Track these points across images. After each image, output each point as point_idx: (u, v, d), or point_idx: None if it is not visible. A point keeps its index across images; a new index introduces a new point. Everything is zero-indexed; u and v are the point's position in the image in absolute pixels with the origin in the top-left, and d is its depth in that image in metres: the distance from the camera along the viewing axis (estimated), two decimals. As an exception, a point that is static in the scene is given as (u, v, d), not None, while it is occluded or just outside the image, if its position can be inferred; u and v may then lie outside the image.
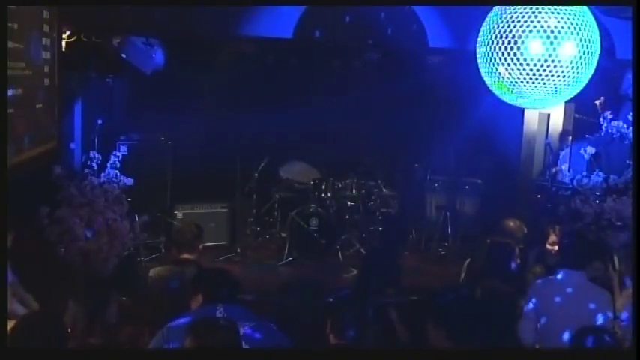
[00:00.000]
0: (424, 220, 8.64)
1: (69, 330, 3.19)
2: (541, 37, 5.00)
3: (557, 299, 4.04)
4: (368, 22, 6.82)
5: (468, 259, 5.03)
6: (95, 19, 6.15)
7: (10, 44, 4.34)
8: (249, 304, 3.63)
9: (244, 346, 3.13)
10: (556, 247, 4.96)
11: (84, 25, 6.34)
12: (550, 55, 5.02)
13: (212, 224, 7.82)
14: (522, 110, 7.45)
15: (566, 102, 6.75)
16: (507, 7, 5.17)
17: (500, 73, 5.23)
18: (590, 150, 6.65)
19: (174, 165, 7.89)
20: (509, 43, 5.08)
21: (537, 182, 7.50)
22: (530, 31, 5.01)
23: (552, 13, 5.01)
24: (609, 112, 6.70)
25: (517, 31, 5.04)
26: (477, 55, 5.50)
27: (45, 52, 5.35)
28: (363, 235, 8.18)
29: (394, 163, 8.77)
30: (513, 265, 4.60)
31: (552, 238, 5.11)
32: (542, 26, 4.99)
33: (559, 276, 4.16)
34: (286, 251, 7.69)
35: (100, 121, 6.65)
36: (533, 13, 5.02)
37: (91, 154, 6.13)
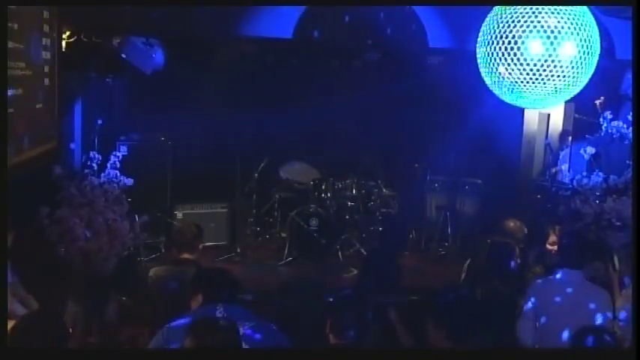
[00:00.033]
0: (424, 220, 8.65)
1: (69, 330, 3.19)
2: (541, 37, 5.00)
3: (556, 299, 4.05)
4: (368, 22, 6.82)
5: (469, 260, 5.03)
6: (95, 19, 6.15)
7: (10, 44, 4.34)
8: (249, 304, 3.63)
9: (244, 346, 3.13)
10: (556, 247, 4.97)
11: (84, 25, 6.34)
12: (550, 55, 5.02)
13: (212, 224, 7.82)
14: (522, 110, 7.45)
15: (566, 102, 6.75)
16: (507, 7, 5.17)
17: (500, 73, 5.23)
18: (590, 150, 6.65)
19: (174, 165, 7.89)
20: (509, 43, 5.08)
21: (537, 182, 7.50)
22: (531, 31, 5.01)
23: (552, 13, 5.01)
24: (609, 112, 6.70)
25: (517, 31, 5.04)
26: (477, 55, 5.50)
27: (45, 52, 5.35)
28: (363, 235, 8.18)
29: (394, 163, 8.76)
30: (513, 265, 4.60)
31: (552, 238, 5.11)
32: (542, 26, 5.00)
33: (558, 275, 4.16)
34: (286, 251, 7.69)
35: (100, 121, 6.65)
36: (533, 13, 5.02)
37: (91, 154, 6.13)
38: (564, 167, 7.10)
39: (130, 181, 6.24)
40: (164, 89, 7.91)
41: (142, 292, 4.76)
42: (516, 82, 5.17)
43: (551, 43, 4.99)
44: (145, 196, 6.98)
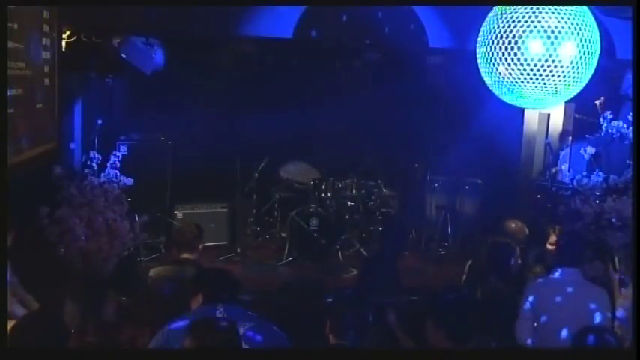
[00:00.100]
0: (424, 220, 8.64)
1: (69, 330, 3.19)
2: (541, 37, 5.00)
3: (554, 298, 4.05)
4: (368, 22, 6.82)
5: (470, 261, 5.03)
6: (95, 19, 6.15)
7: (10, 44, 4.34)
8: (249, 304, 3.62)
9: (245, 346, 3.13)
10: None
11: (84, 25, 6.34)
12: (550, 55, 5.02)
13: (212, 224, 7.81)
14: (522, 110, 7.45)
15: (566, 102, 6.75)
16: (507, 7, 5.17)
17: (500, 73, 5.23)
18: (590, 150, 6.65)
19: (174, 165, 7.89)
20: (509, 43, 5.08)
21: (537, 182, 7.51)
22: (531, 31, 5.01)
23: (552, 13, 5.02)
24: (609, 112, 6.70)
25: (517, 31, 5.04)
26: (477, 55, 5.50)
27: (45, 52, 5.35)
28: (363, 235, 8.18)
29: (394, 163, 8.76)
30: (514, 265, 4.59)
31: (552, 238, 5.11)
32: (542, 26, 5.00)
33: (556, 275, 4.16)
34: (286, 251, 7.69)
35: (100, 121, 6.66)
36: (534, 13, 5.03)
37: (91, 154, 6.14)
38: (564, 167, 7.11)
39: (130, 181, 6.24)
40: (164, 89, 7.91)
41: (142, 292, 4.75)
42: (516, 82, 5.17)
43: (552, 43, 5.00)
44: (145, 196, 6.98)
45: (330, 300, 3.52)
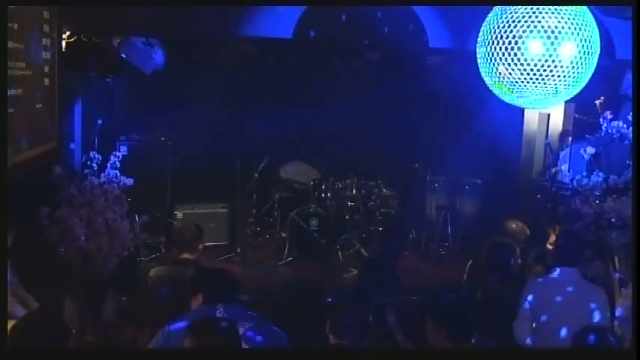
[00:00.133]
0: (424, 220, 8.64)
1: (69, 330, 3.19)
2: (541, 37, 5.01)
3: (552, 297, 4.06)
4: (367, 22, 6.82)
5: (471, 261, 5.03)
6: (95, 19, 6.14)
7: (10, 44, 4.34)
8: (249, 304, 3.62)
9: (245, 346, 3.13)
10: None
11: (84, 25, 6.34)
12: (550, 55, 5.02)
13: (212, 224, 7.81)
14: (522, 110, 7.45)
15: (566, 102, 6.75)
16: (507, 7, 5.17)
17: (500, 73, 5.23)
18: (590, 150, 6.65)
19: (174, 165, 7.89)
20: (509, 43, 5.08)
21: (537, 182, 7.51)
22: (531, 31, 5.01)
23: (552, 13, 5.02)
24: (609, 112, 6.71)
25: (517, 31, 5.04)
26: (477, 55, 5.50)
27: (45, 52, 5.34)
28: (363, 235, 8.18)
29: (394, 163, 8.76)
30: (514, 265, 4.60)
31: (552, 238, 5.11)
32: (542, 26, 5.00)
33: (554, 274, 4.17)
34: (286, 251, 7.69)
35: (100, 121, 6.66)
36: (534, 13, 5.03)
37: (91, 154, 6.13)
38: (564, 167, 7.11)
39: (130, 181, 6.24)
40: (164, 89, 7.91)
41: (141, 292, 4.75)
42: (516, 82, 5.17)
43: (552, 43, 5.00)
44: (145, 196, 6.98)
45: (330, 300, 3.51)
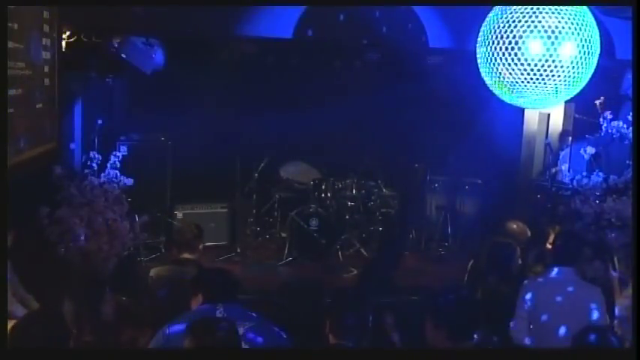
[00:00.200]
0: (424, 220, 8.64)
1: (69, 330, 3.19)
2: (541, 37, 5.01)
3: (549, 296, 4.06)
4: (367, 22, 6.82)
5: (472, 261, 5.03)
6: (95, 19, 6.15)
7: (10, 44, 4.34)
8: (249, 304, 3.62)
9: (245, 346, 3.13)
10: (555, 247, 4.96)
11: (84, 25, 6.34)
12: (550, 55, 5.02)
13: (212, 224, 7.81)
14: (522, 110, 7.45)
15: (566, 102, 6.75)
16: (507, 7, 5.17)
17: (500, 73, 5.23)
18: (590, 150, 6.65)
19: (174, 165, 7.89)
20: (509, 43, 5.08)
21: (537, 182, 7.51)
22: (531, 31, 5.01)
23: (552, 13, 5.02)
24: (609, 112, 6.70)
25: (517, 31, 5.04)
26: (477, 55, 5.50)
27: (45, 52, 5.35)
28: (363, 235, 8.18)
29: (394, 163, 8.76)
30: (514, 265, 4.60)
31: (552, 238, 5.11)
32: (542, 26, 5.00)
33: (551, 274, 4.17)
34: (286, 251, 7.69)
35: (100, 121, 6.65)
36: (534, 13, 5.03)
37: (91, 154, 6.13)
38: (564, 167, 7.11)
39: (130, 181, 6.24)
40: (164, 89, 7.91)
41: (141, 292, 4.75)
42: (516, 82, 5.17)
43: (552, 43, 5.00)
44: (145, 196, 6.98)
45: (330, 300, 3.51)
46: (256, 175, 8.02)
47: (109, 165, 6.20)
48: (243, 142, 8.08)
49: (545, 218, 6.41)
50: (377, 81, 8.59)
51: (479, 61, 5.48)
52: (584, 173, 6.53)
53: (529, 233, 5.09)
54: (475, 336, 3.16)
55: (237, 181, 8.02)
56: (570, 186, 6.59)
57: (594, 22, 5.22)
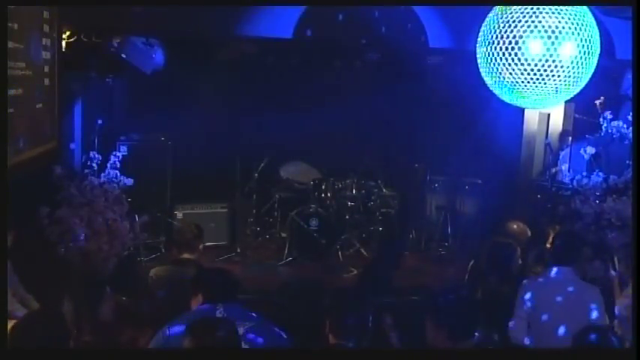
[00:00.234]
0: (424, 220, 8.65)
1: (69, 330, 3.19)
2: (542, 37, 5.01)
3: (548, 296, 4.06)
4: (367, 22, 6.82)
5: (473, 261, 5.03)
6: (95, 19, 6.15)
7: (10, 44, 4.34)
8: (249, 304, 3.62)
9: (244, 347, 3.13)
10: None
11: (84, 25, 6.34)
12: (551, 55, 5.02)
13: (212, 224, 7.81)
14: (522, 110, 7.45)
15: (566, 102, 6.76)
16: (507, 7, 5.17)
17: (501, 74, 5.24)
18: (590, 150, 6.65)
19: (174, 165, 7.89)
20: (509, 43, 5.08)
21: (537, 182, 7.51)
22: (531, 31, 5.01)
23: (552, 13, 5.02)
24: (609, 112, 6.70)
25: (517, 31, 5.04)
26: (477, 55, 5.50)
27: (45, 52, 5.35)
28: (363, 235, 8.18)
29: (394, 163, 8.76)
30: (514, 265, 4.60)
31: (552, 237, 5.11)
32: (542, 26, 5.00)
33: (549, 273, 4.17)
34: (286, 251, 7.69)
35: (100, 121, 6.65)
36: (534, 13, 5.03)
37: (91, 154, 6.13)
38: (564, 167, 7.11)
39: (130, 181, 6.24)
40: (164, 89, 7.91)
41: (141, 292, 4.75)
42: (516, 82, 5.17)
43: (552, 43, 5.00)
44: (145, 196, 6.99)
45: (330, 300, 3.51)
46: (256, 175, 8.02)
47: (109, 165, 6.20)
48: (243, 142, 8.08)
49: (545, 218, 6.41)
50: (377, 81, 8.59)
51: (479, 61, 5.48)
52: (584, 173, 6.53)
53: (529, 233, 5.09)
54: (476, 334, 3.16)
55: (237, 181, 8.02)
56: (570, 186, 6.59)
57: (594, 22, 5.23)
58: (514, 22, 5.06)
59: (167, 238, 7.36)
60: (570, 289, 4.07)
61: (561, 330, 3.94)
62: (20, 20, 4.59)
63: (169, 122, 7.77)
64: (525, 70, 5.08)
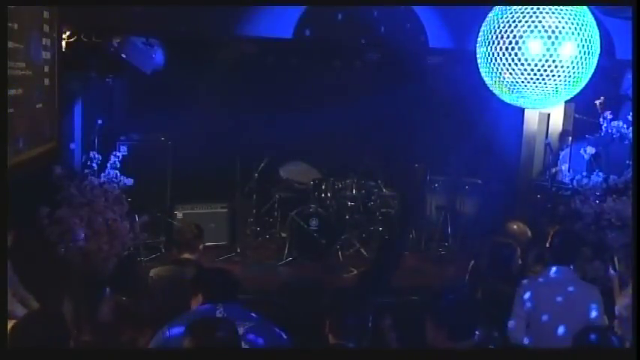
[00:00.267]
0: (424, 220, 8.65)
1: (69, 330, 3.19)
2: (542, 37, 5.01)
3: (546, 295, 4.06)
4: (367, 22, 6.82)
5: (473, 261, 5.03)
6: (95, 19, 6.15)
7: (10, 44, 4.34)
8: (249, 304, 3.62)
9: (244, 347, 3.13)
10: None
11: (84, 25, 6.34)
12: (551, 55, 5.02)
13: (212, 224, 7.81)
14: (522, 110, 7.45)
15: (566, 102, 6.75)
16: (507, 7, 5.17)
17: (501, 74, 5.24)
18: (590, 150, 6.66)
19: (174, 165, 7.89)
20: (509, 43, 5.08)
21: (537, 182, 7.51)
22: (532, 31, 5.01)
23: (552, 13, 5.02)
24: (609, 112, 6.71)
25: (517, 31, 5.04)
26: (477, 55, 5.50)
27: (45, 52, 5.34)
28: (363, 235, 8.18)
29: (394, 163, 8.76)
30: (514, 265, 4.60)
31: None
32: (542, 26, 5.00)
33: (548, 273, 4.17)
34: (286, 251, 7.68)
35: (100, 121, 6.65)
36: (534, 13, 5.03)
37: (91, 154, 6.14)
38: (564, 167, 7.11)
39: (130, 181, 6.24)
40: (164, 89, 7.90)
41: (141, 292, 4.75)
42: (516, 82, 5.17)
43: (552, 43, 5.00)
44: (145, 196, 6.98)
45: (330, 300, 3.51)
46: (256, 175, 8.02)
47: (109, 165, 6.21)
48: (243, 142, 8.08)
49: (545, 218, 6.41)
50: (377, 81, 8.59)
51: (479, 61, 5.48)
52: (584, 173, 6.53)
53: (529, 233, 5.09)
54: (477, 332, 3.16)
55: (237, 181, 8.01)
56: (570, 186, 6.59)
57: (594, 22, 5.23)
58: (514, 22, 5.06)
59: (167, 238, 7.36)
60: (570, 288, 4.07)
61: (561, 330, 3.94)
62: (20, 20, 4.59)
63: (169, 122, 7.77)
64: (525, 70, 5.08)
